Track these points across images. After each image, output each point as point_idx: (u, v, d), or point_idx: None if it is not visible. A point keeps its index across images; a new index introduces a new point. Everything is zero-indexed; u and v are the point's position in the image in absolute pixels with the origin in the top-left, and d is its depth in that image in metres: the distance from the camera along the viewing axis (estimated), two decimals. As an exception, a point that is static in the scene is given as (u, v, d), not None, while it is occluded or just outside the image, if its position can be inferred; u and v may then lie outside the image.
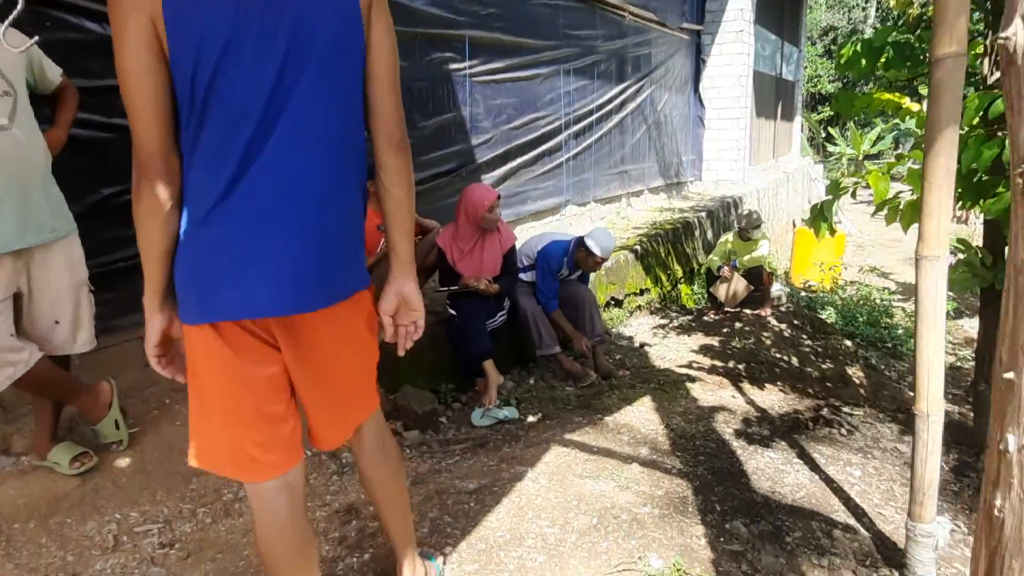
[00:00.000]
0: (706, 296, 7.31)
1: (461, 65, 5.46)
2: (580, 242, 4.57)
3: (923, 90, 3.24)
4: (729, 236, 7.00)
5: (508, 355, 4.65)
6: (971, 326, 8.76)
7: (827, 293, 9.43)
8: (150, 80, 1.25)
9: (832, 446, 3.35)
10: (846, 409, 4.04)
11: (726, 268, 6.68)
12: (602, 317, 4.75)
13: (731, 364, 5.25)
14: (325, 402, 1.56)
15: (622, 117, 8.45)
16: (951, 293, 9.32)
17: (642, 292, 6.79)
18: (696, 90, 11.07)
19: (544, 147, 6.77)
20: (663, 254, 7.35)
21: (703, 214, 8.83)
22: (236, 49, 1.26)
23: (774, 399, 4.23)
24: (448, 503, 2.57)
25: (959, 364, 7.36)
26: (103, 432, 2.73)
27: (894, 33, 3.28)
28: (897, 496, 2.93)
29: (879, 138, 22.75)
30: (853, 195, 3.38)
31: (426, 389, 3.86)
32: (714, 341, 5.82)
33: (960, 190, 3.04)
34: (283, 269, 1.35)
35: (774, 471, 2.96)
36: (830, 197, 3.46)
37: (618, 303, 6.30)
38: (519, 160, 6.37)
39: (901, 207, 3.30)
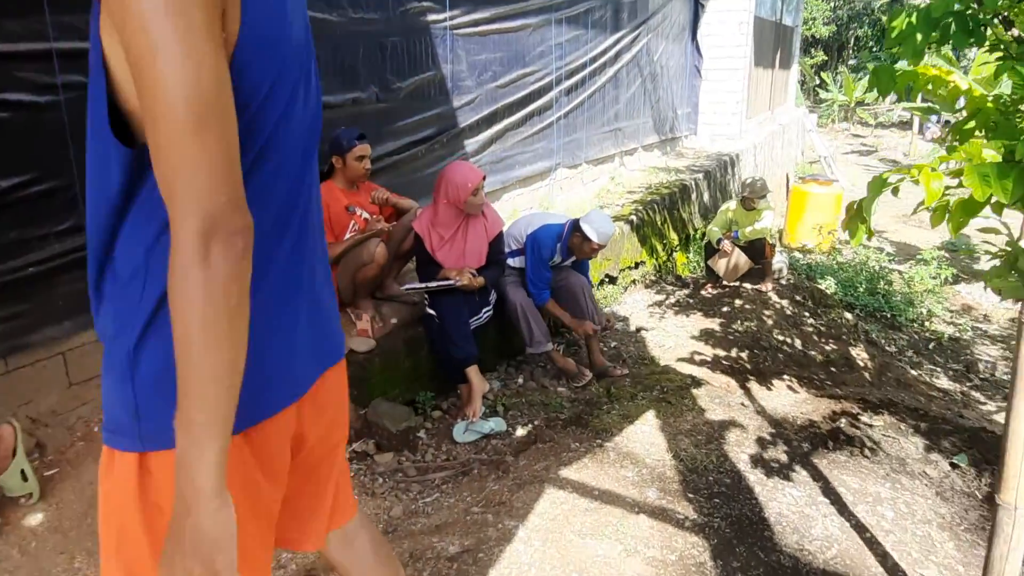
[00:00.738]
0: (703, 267, 6.88)
1: (440, 16, 4.82)
2: (575, 226, 4.09)
3: (975, 72, 2.73)
4: (731, 204, 6.52)
5: (495, 349, 4.21)
6: (967, 292, 8.47)
7: (825, 256, 9.08)
8: (229, 94, 0.82)
9: (858, 474, 2.99)
10: (864, 418, 3.68)
11: (727, 242, 6.23)
12: (597, 303, 4.31)
13: (734, 353, 4.86)
14: (322, 487, 1.25)
15: (617, 70, 7.81)
16: (947, 256, 9.01)
17: (637, 265, 6.34)
18: (694, 38, 10.37)
19: (533, 106, 6.17)
20: (659, 222, 6.87)
21: (700, 175, 8.32)
22: (304, 82, 1.01)
23: (786, 403, 3.86)
24: (425, 574, 2.16)
25: (957, 335, 7.08)
26: (7, 485, 2.27)
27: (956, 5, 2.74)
28: (936, 544, 2.58)
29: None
30: (895, 192, 2.93)
31: (402, 400, 3.42)
32: (715, 324, 5.42)
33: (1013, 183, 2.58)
34: (307, 321, 1.10)
35: (799, 518, 2.59)
36: (870, 195, 2.97)
37: (612, 280, 5.85)
38: (506, 121, 5.79)
39: (950, 207, 2.84)
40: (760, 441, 3.21)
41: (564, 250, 4.16)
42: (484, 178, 3.63)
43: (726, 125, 11.37)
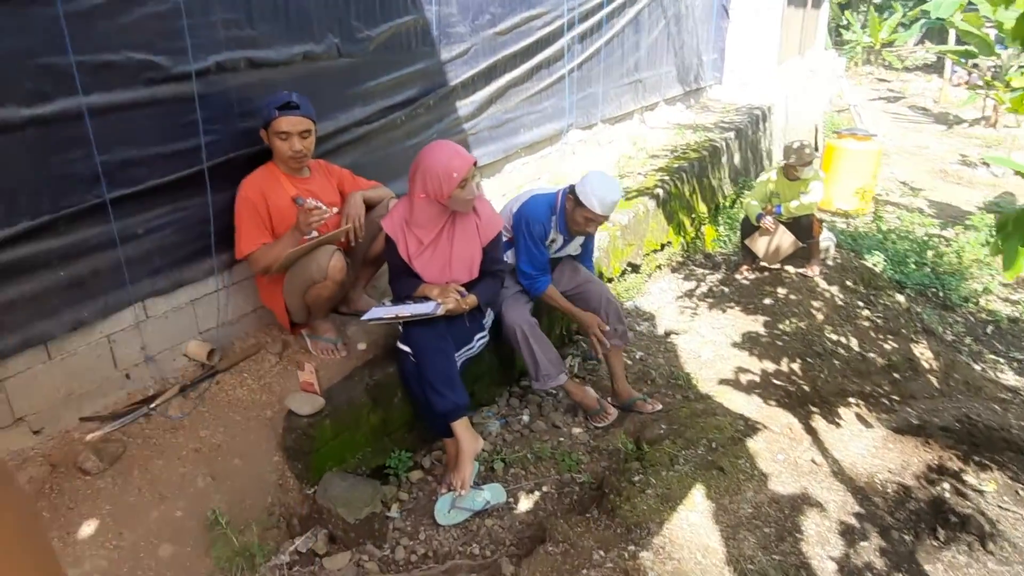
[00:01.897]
0: (739, 245, 5.94)
1: (424, -58, 3.79)
2: (571, 190, 3.19)
3: None
4: (772, 174, 5.53)
5: (494, 374, 3.34)
6: None
7: (864, 219, 8.12)
8: None
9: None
10: (970, 478, 2.83)
11: (768, 219, 5.26)
12: (623, 316, 3.42)
13: (785, 366, 3.98)
14: None
15: (638, 10, 6.71)
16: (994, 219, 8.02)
17: (663, 247, 5.41)
18: (723, -28, 9.16)
19: (541, 56, 5.14)
20: (687, 193, 5.90)
21: (731, 134, 7.28)
22: None
23: (863, 450, 3.00)
24: None
25: (1017, 316, 6.21)
26: None
27: None
28: None
29: (900, 25, 20.52)
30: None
31: (366, 469, 2.58)
32: (757, 324, 4.52)
33: None
34: None
35: None
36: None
37: (635, 268, 4.93)
38: (508, 76, 4.78)
39: None
40: (847, 532, 2.36)
41: (562, 224, 3.25)
42: (475, 164, 2.69)
43: (756, 72, 10.22)
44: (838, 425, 3.20)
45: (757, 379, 3.70)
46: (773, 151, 9.22)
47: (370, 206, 3.07)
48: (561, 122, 5.64)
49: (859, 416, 3.45)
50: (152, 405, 2.56)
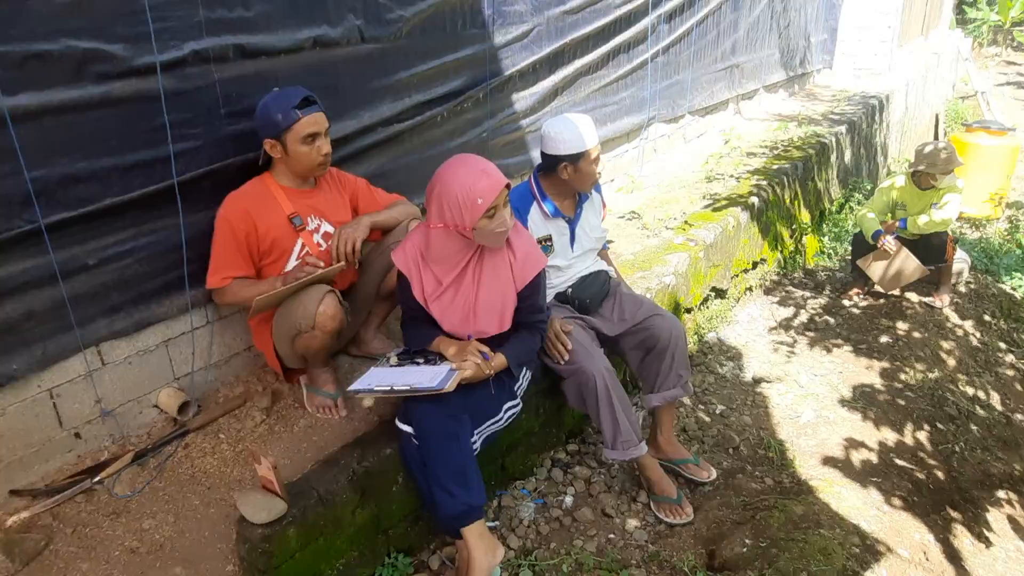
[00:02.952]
0: (848, 263, 5.03)
1: (475, -99, 3.13)
2: (541, 165, 2.63)
3: None
4: (896, 180, 4.58)
5: (531, 437, 2.70)
6: None
7: (996, 227, 6.92)
8: None
9: None
10: None
11: (889, 239, 4.34)
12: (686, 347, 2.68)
13: (910, 436, 3.14)
14: None
15: (738, -16, 5.82)
16: None
17: (755, 265, 4.58)
18: (841, -60, 8.01)
19: (619, 39, 4.39)
20: (787, 199, 5.02)
21: (841, 128, 6.27)
22: None
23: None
24: None
25: None
26: None
27: None
28: None
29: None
30: None
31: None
32: (873, 374, 3.66)
33: None
34: None
35: None
36: None
37: (720, 293, 4.15)
38: (578, 63, 4.07)
39: None
40: None
41: (552, 206, 2.57)
42: (508, 186, 2.03)
43: (872, 56, 9.00)
44: (988, 542, 2.39)
45: (874, 459, 2.90)
46: (889, 146, 8.07)
47: (387, 229, 2.48)
48: (641, 115, 4.88)
49: (1013, 521, 2.61)
50: (97, 477, 2.07)
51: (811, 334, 4.13)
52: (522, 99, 3.71)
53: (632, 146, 4.94)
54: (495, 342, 2.21)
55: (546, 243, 2.59)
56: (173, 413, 2.32)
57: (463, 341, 2.16)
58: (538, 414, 2.66)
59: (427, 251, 2.14)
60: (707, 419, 3.18)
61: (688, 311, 3.70)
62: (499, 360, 2.15)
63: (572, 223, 2.64)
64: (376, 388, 1.92)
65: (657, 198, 4.48)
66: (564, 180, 2.51)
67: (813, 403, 3.34)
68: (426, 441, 1.97)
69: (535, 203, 2.57)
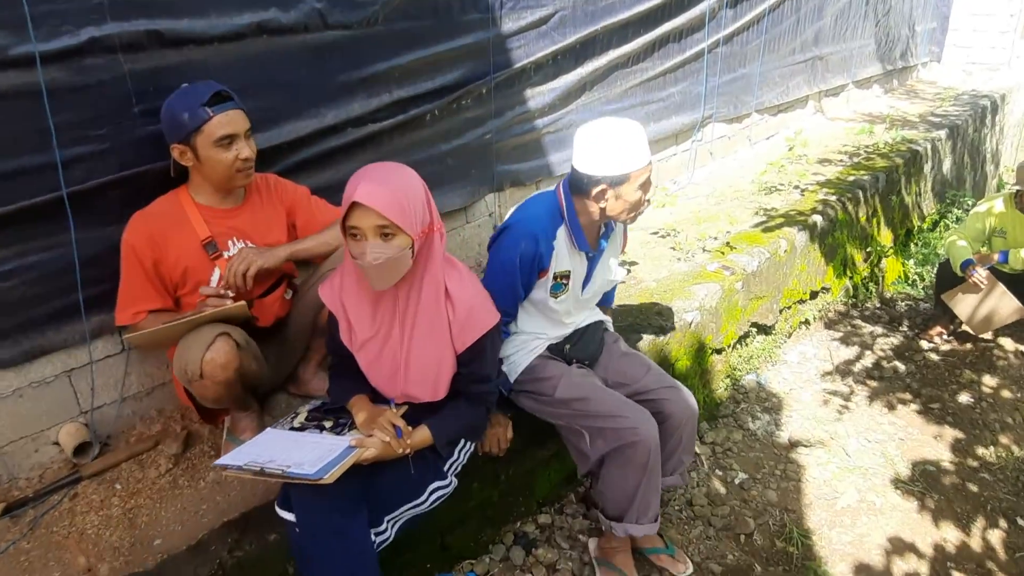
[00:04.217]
0: (933, 295, 4.29)
1: None
2: (574, 178, 1.96)
3: None
4: (995, 204, 3.81)
5: (488, 508, 2.26)
6: None
7: None
8: None
9: None
10: None
11: (980, 271, 3.61)
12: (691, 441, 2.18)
13: (978, 541, 2.50)
14: None
15: (826, -36, 5.07)
16: None
17: (814, 295, 3.94)
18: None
19: (669, 25, 3.82)
20: (863, 217, 4.31)
21: (942, 132, 5.41)
22: None
23: None
24: None
25: None
26: None
27: None
28: None
29: None
30: None
31: None
32: (942, 446, 3.00)
33: None
34: None
35: None
36: None
37: (765, 330, 3.55)
38: (613, 54, 3.54)
39: None
40: None
41: (579, 235, 2.00)
42: (405, 205, 1.57)
43: (989, 48, 7.90)
44: None
45: (924, 571, 2.29)
46: (1002, 155, 7.03)
47: (315, 258, 2.09)
48: (694, 113, 4.28)
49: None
50: (-45, 534, 1.80)
51: (873, 383, 3.47)
52: (538, 95, 3.22)
53: (681, 149, 4.36)
54: (431, 409, 1.79)
55: (562, 280, 2.06)
56: (68, 454, 2.03)
57: (377, 408, 1.75)
58: (498, 483, 2.22)
59: (358, 287, 1.73)
60: (722, 490, 2.65)
61: (718, 352, 3.14)
62: (420, 436, 1.72)
63: (593, 260, 2.11)
64: (245, 467, 1.54)
65: (702, 211, 3.90)
66: (598, 207, 1.95)
67: (858, 480, 2.74)
68: (307, 539, 1.58)
69: (564, 226, 1.99)
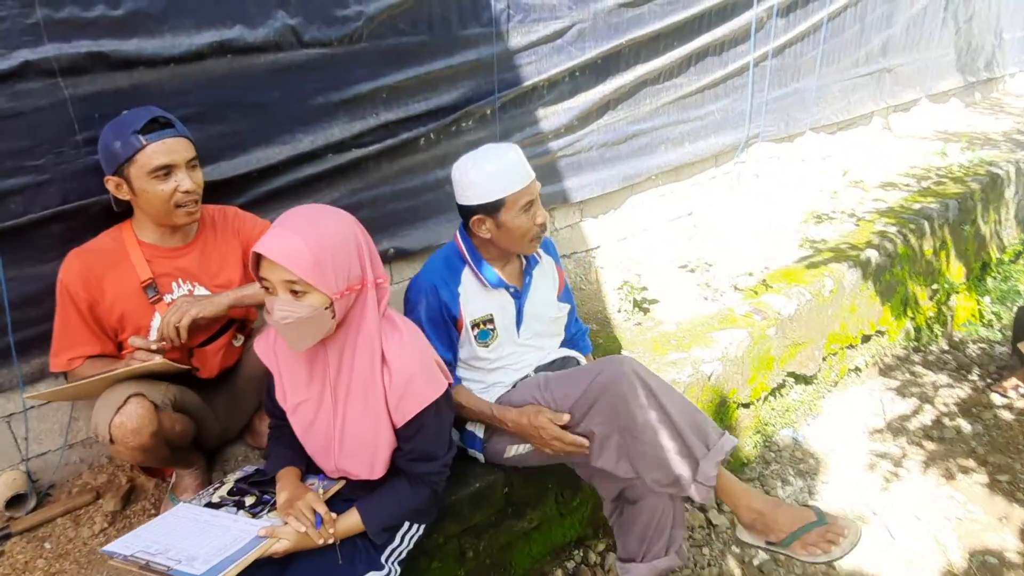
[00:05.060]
0: (1009, 342, 3.78)
1: None
2: (464, 214, 1.82)
3: None
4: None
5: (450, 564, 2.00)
6: None
7: None
8: None
9: None
10: None
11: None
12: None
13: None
14: None
15: (896, -33, 4.60)
16: None
17: (866, 339, 3.51)
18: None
19: (707, 37, 3.48)
20: (930, 250, 3.84)
21: (1029, 154, 4.83)
22: None
23: None
24: None
25: None
26: None
27: None
28: None
29: None
30: None
31: None
32: (1008, 530, 2.56)
33: None
34: None
35: None
36: None
37: (804, 380, 3.16)
38: (640, 69, 3.23)
39: None
40: None
41: (488, 272, 1.85)
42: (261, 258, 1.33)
43: (1092, 56, 7.11)
44: None
45: None
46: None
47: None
48: (738, 132, 3.92)
49: None
50: None
51: (931, 445, 3.04)
52: (552, 115, 2.96)
53: (722, 171, 4.00)
54: (370, 487, 1.56)
55: (487, 327, 1.87)
56: (0, 506, 1.89)
57: (301, 488, 1.52)
58: (464, 561, 1.95)
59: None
60: (737, 572, 2.30)
61: (745, 406, 2.79)
62: (348, 523, 1.49)
63: (519, 296, 1.91)
64: (130, 558, 1.33)
65: (739, 242, 3.53)
66: (488, 239, 1.79)
67: (901, 570, 2.34)
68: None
69: (467, 268, 1.84)
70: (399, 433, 1.50)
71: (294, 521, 1.42)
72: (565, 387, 1.78)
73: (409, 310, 1.83)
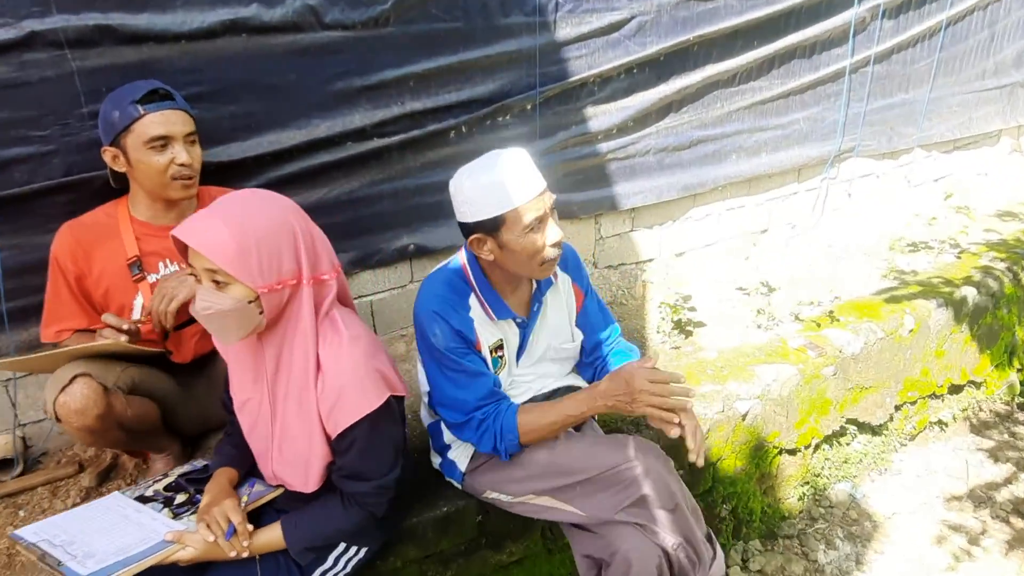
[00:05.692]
0: None
1: None
2: (467, 233, 1.55)
3: None
4: None
5: None
6: None
7: None
8: None
9: None
10: None
11: None
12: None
13: None
14: None
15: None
16: None
17: (956, 389, 3.05)
18: None
19: (793, 38, 3.14)
20: (1048, 293, 3.30)
21: None
22: None
23: None
24: None
25: None
26: None
27: None
28: None
29: None
30: None
31: None
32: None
33: None
34: None
35: None
36: None
37: (872, 430, 2.77)
38: (711, 70, 2.95)
39: None
40: None
41: (495, 301, 1.61)
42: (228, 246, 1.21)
43: None
44: None
45: None
46: None
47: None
48: (827, 145, 3.53)
49: None
50: None
51: (1019, 523, 2.58)
52: (603, 115, 2.74)
53: (805, 187, 3.61)
54: (306, 500, 1.44)
55: (498, 354, 1.67)
56: (-11, 469, 1.93)
57: (224, 493, 1.41)
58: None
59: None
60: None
61: (791, 452, 2.46)
62: (267, 538, 1.37)
63: (525, 326, 1.69)
64: (31, 545, 1.27)
65: (811, 266, 3.17)
66: (492, 261, 1.57)
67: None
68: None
69: (473, 295, 1.61)
70: (333, 446, 1.37)
71: (203, 528, 1.32)
72: (579, 459, 1.59)
73: (422, 340, 1.59)
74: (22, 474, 1.96)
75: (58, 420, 1.53)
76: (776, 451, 2.39)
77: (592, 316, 1.81)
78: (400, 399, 1.44)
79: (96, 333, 1.66)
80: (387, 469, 1.40)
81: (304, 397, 1.34)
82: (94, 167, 1.84)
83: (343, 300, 1.45)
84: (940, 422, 3.02)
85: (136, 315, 1.77)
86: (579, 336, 1.79)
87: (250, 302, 1.24)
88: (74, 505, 1.87)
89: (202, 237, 1.19)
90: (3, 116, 1.74)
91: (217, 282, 1.22)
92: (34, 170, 1.81)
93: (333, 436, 1.35)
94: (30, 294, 1.85)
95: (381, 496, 1.41)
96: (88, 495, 1.90)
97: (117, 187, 1.82)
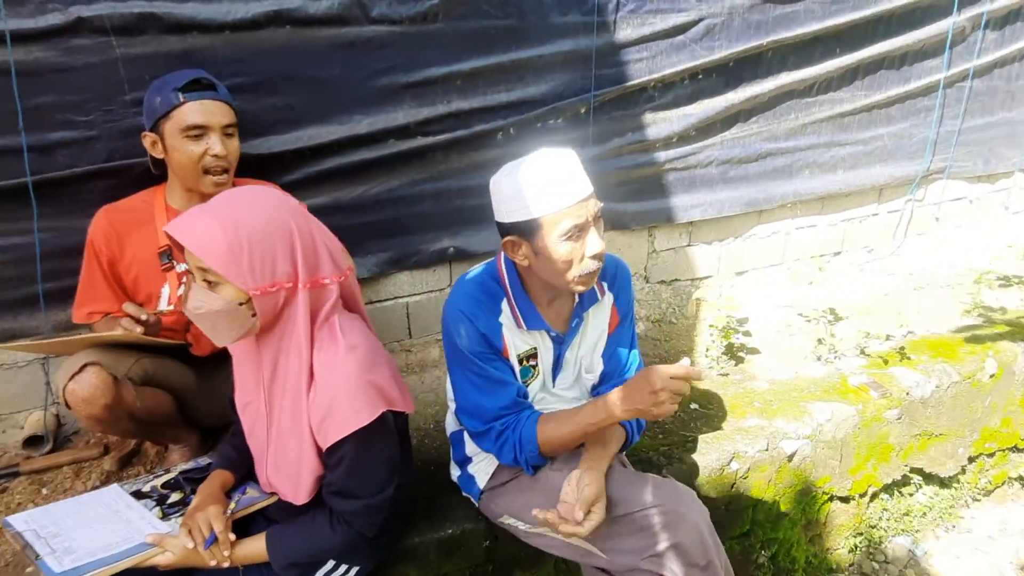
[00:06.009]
0: None
1: None
2: (504, 234, 1.44)
3: None
4: None
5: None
6: None
7: None
8: None
9: None
10: None
11: None
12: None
13: None
14: None
15: None
16: None
17: (1043, 442, 2.74)
18: None
19: (880, 47, 2.90)
20: None
21: None
22: None
23: None
24: None
25: None
26: None
27: None
28: None
29: None
30: None
31: None
32: None
33: None
34: None
35: None
36: None
37: (940, 482, 2.52)
38: (785, 78, 2.75)
39: None
40: None
41: (528, 310, 1.50)
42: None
43: None
44: None
45: None
46: None
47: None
48: (914, 164, 3.25)
49: None
50: None
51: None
52: (662, 122, 2.59)
53: (886, 208, 3.34)
54: (297, 511, 1.38)
55: (530, 364, 1.56)
56: (19, 445, 1.97)
57: (213, 498, 1.37)
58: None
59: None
60: None
61: (843, 500, 2.25)
62: (250, 549, 1.32)
63: (561, 342, 1.57)
64: (16, 532, 1.26)
65: (887, 296, 2.92)
66: (528, 268, 1.46)
67: None
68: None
69: (505, 300, 1.51)
70: (324, 459, 1.31)
71: (183, 534, 1.27)
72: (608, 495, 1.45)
73: (448, 340, 1.50)
74: (52, 451, 2.00)
75: (68, 407, 1.53)
76: (826, 497, 2.19)
77: (620, 345, 1.66)
78: (400, 415, 1.36)
79: (117, 321, 1.66)
80: (378, 488, 1.33)
81: (297, 406, 1.29)
82: (135, 154, 1.85)
83: (351, 306, 1.38)
84: (1021, 478, 2.72)
85: (163, 304, 1.77)
86: (600, 366, 1.65)
87: (241, 304, 1.18)
88: (94, 488, 1.89)
89: (193, 234, 1.14)
90: (49, 100, 1.76)
91: (209, 281, 1.17)
92: (76, 154, 1.83)
93: (324, 448, 1.28)
94: (67, 276, 1.87)
95: (370, 516, 1.34)
96: (108, 479, 1.92)
97: (157, 173, 1.82)
